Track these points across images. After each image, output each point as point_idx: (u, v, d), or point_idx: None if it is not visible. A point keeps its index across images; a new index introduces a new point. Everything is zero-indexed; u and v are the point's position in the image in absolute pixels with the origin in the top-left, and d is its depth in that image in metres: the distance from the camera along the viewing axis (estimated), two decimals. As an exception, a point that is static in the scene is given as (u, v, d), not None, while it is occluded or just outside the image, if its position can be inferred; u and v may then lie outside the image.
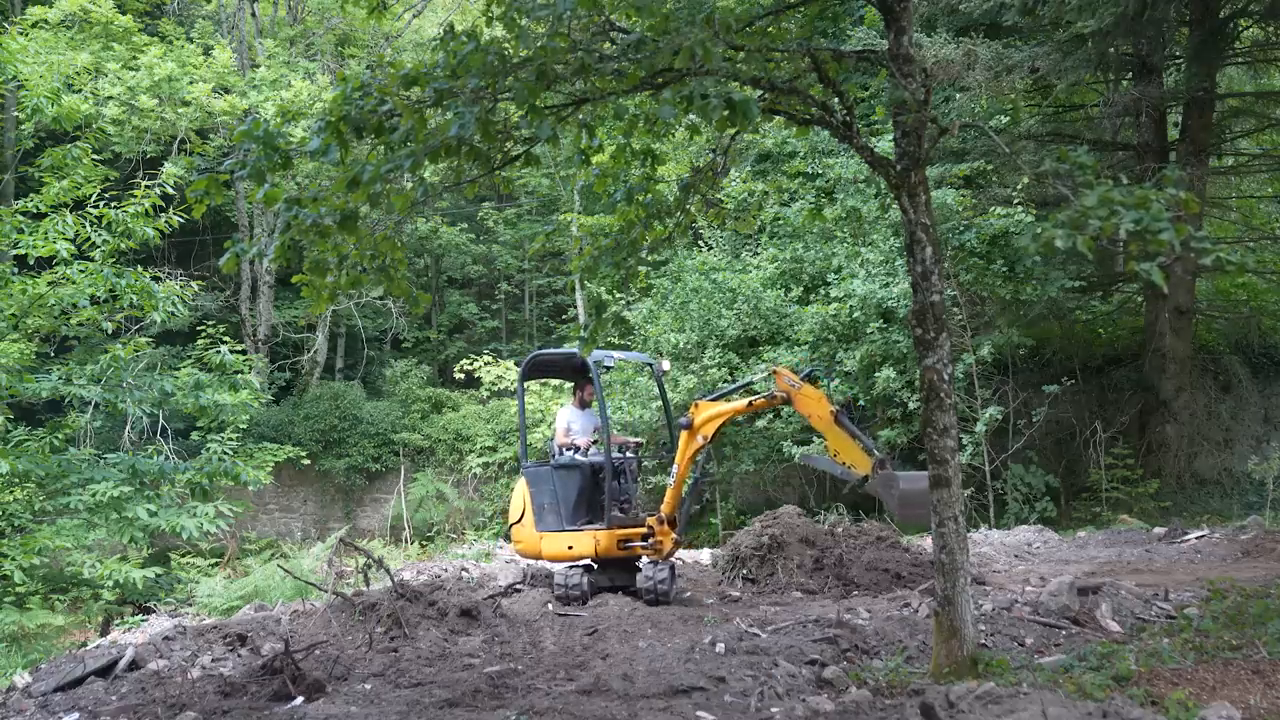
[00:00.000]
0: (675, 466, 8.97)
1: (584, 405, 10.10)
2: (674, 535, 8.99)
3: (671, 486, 8.99)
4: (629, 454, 9.75)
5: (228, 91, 20.53)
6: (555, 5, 4.61)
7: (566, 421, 9.93)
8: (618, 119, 5.52)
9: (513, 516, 9.65)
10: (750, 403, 8.90)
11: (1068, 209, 4.28)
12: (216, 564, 16.46)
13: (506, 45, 4.72)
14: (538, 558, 9.55)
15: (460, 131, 4.37)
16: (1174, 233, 3.97)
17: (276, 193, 4.85)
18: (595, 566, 9.25)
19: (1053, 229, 4.20)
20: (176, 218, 11.11)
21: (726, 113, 4.21)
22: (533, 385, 19.80)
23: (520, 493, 9.67)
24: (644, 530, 9.04)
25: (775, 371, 8.67)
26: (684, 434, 8.83)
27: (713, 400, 9.05)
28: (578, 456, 9.45)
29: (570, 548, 9.08)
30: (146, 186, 11.02)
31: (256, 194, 4.85)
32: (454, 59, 4.62)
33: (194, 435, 14.10)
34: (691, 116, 4.88)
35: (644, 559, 9.08)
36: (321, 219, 4.74)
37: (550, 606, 8.89)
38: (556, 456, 9.56)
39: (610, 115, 5.45)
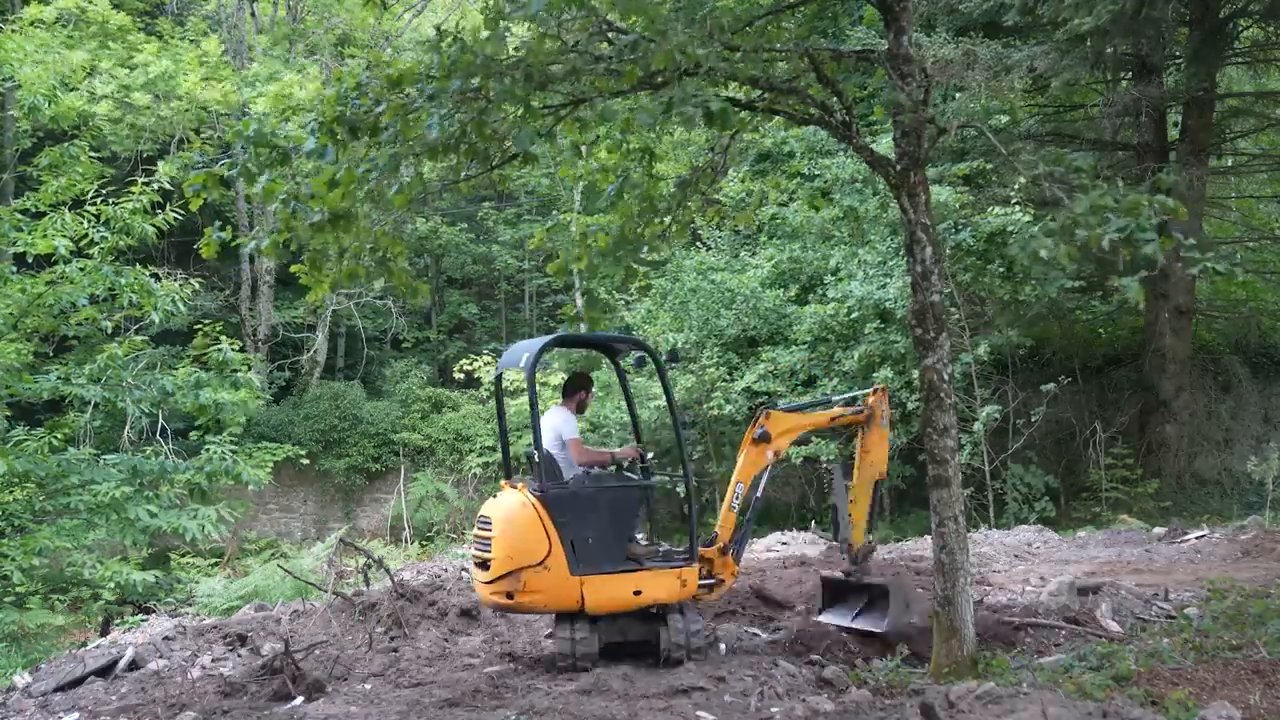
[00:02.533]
0: (737, 484, 7.33)
1: (581, 410, 7.72)
2: (736, 569, 7.35)
3: (731, 509, 7.30)
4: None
5: (219, 81, 20.41)
6: (528, 5, 4.55)
7: (574, 430, 7.42)
8: (605, 120, 5.52)
9: (523, 558, 6.48)
10: (833, 417, 7.82)
11: (1060, 214, 4.29)
12: (216, 564, 16.45)
13: (497, 46, 4.72)
14: (573, 609, 6.58)
15: (436, 133, 4.35)
16: (1158, 245, 3.97)
17: (275, 187, 4.86)
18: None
19: (1041, 238, 4.21)
20: (175, 214, 11.11)
21: (704, 117, 4.20)
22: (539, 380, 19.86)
23: (533, 526, 6.58)
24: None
25: (881, 390, 7.70)
26: (754, 447, 7.32)
27: (789, 411, 7.72)
28: (629, 474, 7.33)
29: (638, 593, 6.66)
30: (144, 183, 11.02)
31: (253, 189, 4.86)
32: (446, 60, 4.63)
33: (194, 435, 14.09)
34: (686, 119, 4.89)
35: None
36: (314, 217, 4.75)
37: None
38: (585, 473, 7.20)
39: (599, 118, 5.45)
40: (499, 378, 7.95)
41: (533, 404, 6.94)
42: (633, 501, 7.20)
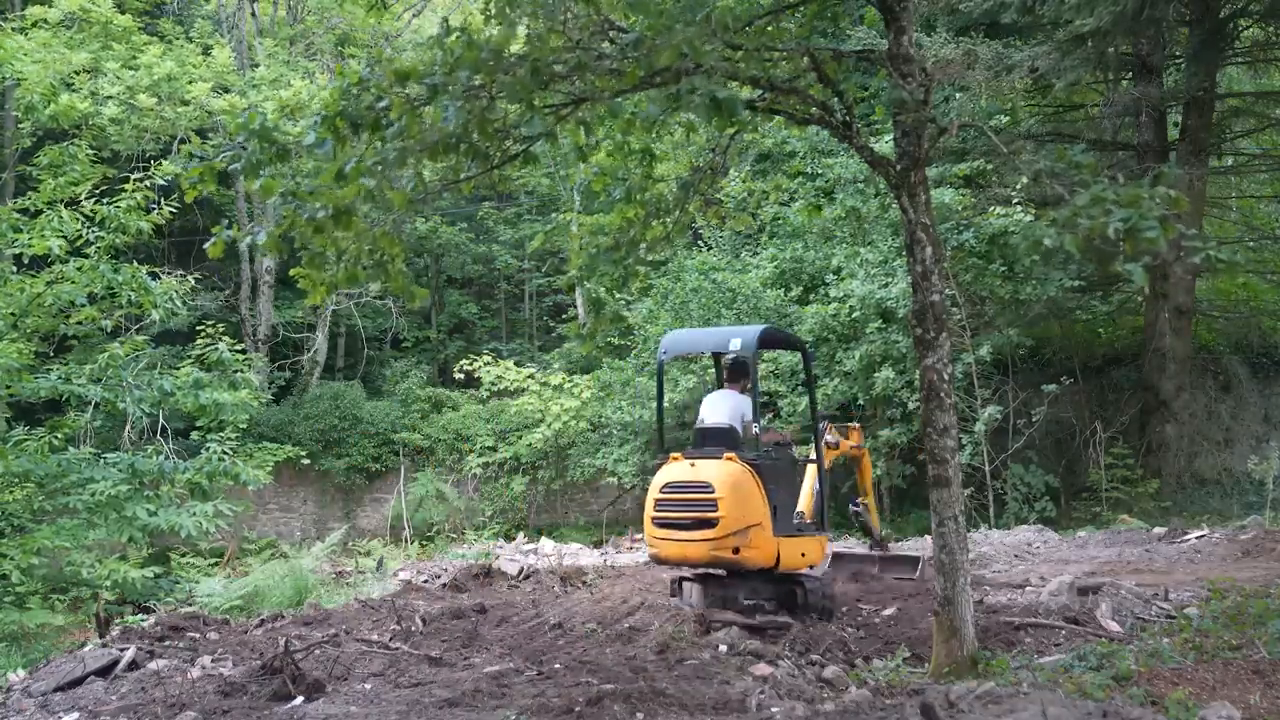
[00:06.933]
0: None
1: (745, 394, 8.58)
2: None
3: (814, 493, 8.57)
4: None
5: (227, 91, 20.52)
6: (547, 2, 4.60)
7: (752, 413, 8.28)
8: (613, 116, 5.51)
9: (752, 517, 7.46)
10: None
11: (1062, 209, 4.29)
12: (216, 564, 16.44)
13: (502, 42, 4.71)
14: (769, 567, 7.67)
15: (449, 125, 4.36)
16: (1161, 232, 3.97)
17: (273, 184, 4.85)
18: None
19: (1044, 228, 4.22)
20: (171, 212, 11.14)
21: (711, 108, 4.18)
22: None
23: (755, 491, 7.56)
24: None
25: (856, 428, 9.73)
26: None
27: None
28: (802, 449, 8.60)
29: (804, 555, 7.90)
30: (137, 180, 11.04)
31: (253, 185, 4.86)
32: (450, 55, 4.62)
33: (194, 435, 14.10)
34: (690, 116, 4.87)
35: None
36: (316, 213, 4.74)
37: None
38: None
39: (606, 115, 5.44)
40: (661, 364, 8.68)
41: (754, 386, 8.23)
42: (800, 475, 8.45)
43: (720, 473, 7.52)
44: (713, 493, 7.40)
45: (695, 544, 7.46)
